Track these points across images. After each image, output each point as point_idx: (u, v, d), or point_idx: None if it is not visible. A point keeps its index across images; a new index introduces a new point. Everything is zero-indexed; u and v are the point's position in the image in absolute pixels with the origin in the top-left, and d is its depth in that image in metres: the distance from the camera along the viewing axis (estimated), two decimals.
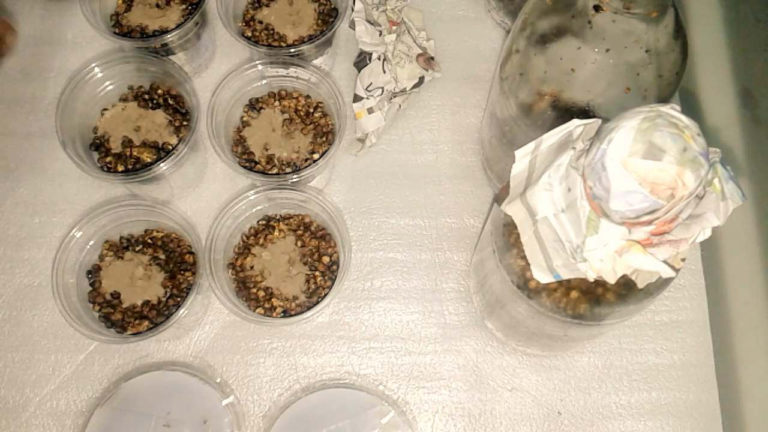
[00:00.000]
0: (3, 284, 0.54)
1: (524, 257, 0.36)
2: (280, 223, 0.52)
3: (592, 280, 0.33)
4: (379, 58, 0.56)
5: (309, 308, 0.49)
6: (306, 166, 0.52)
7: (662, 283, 0.36)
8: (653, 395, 0.51)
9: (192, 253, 0.51)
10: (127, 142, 0.53)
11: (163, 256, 0.51)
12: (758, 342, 0.53)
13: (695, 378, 0.51)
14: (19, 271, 0.54)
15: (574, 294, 0.38)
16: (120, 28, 0.56)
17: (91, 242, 0.51)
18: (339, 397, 0.50)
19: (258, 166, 0.53)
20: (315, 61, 0.58)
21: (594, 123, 0.33)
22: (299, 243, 0.51)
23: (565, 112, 0.40)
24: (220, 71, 0.60)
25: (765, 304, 0.53)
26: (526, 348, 0.51)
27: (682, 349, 0.52)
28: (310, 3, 0.57)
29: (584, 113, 0.40)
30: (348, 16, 0.57)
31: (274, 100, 0.55)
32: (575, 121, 0.34)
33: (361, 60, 0.57)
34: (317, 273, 0.50)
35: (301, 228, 0.52)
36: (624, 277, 0.33)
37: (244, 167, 0.52)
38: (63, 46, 0.61)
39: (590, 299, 0.38)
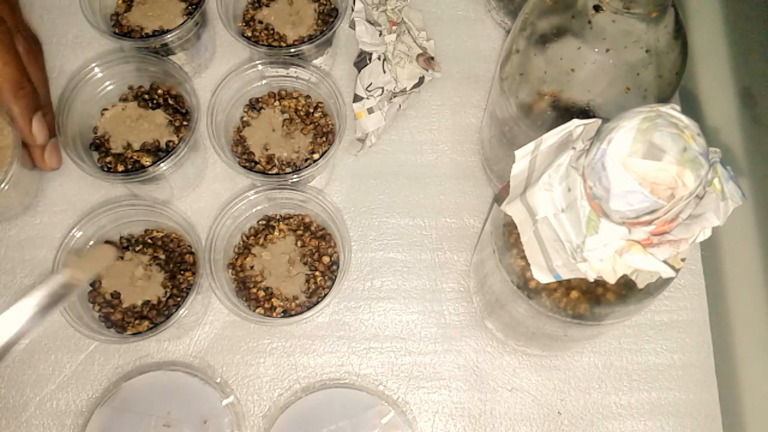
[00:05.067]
0: (4, 285, 0.54)
1: (524, 257, 0.36)
2: (280, 223, 0.52)
3: (592, 280, 0.33)
4: (379, 58, 0.56)
5: (309, 308, 0.49)
6: (306, 166, 0.52)
7: (662, 283, 0.36)
8: (653, 395, 0.51)
9: (192, 253, 0.51)
10: (127, 143, 0.53)
11: (163, 256, 0.51)
12: (758, 342, 0.53)
13: (695, 378, 0.51)
14: (19, 272, 0.54)
15: (574, 294, 0.38)
16: (120, 28, 0.56)
17: (91, 242, 0.51)
18: (339, 397, 0.50)
19: (258, 166, 0.53)
20: (315, 61, 0.58)
21: (594, 123, 0.33)
22: (299, 243, 0.51)
23: (565, 112, 0.40)
24: (220, 71, 0.60)
25: (765, 304, 0.54)
26: (526, 348, 0.51)
27: (682, 349, 0.52)
28: (310, 3, 0.57)
29: (584, 113, 0.40)
30: (348, 16, 0.57)
31: (274, 100, 0.55)
32: (575, 121, 0.34)
33: (361, 60, 0.57)
34: (317, 273, 0.50)
35: (301, 228, 0.52)
36: (624, 277, 0.33)
37: (244, 167, 0.52)
38: (63, 46, 0.61)
39: (590, 299, 0.38)
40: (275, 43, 0.56)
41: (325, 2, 0.57)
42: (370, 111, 0.55)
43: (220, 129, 0.52)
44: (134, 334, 0.48)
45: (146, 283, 0.49)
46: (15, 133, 0.50)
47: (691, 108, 0.59)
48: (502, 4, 0.60)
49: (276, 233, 0.52)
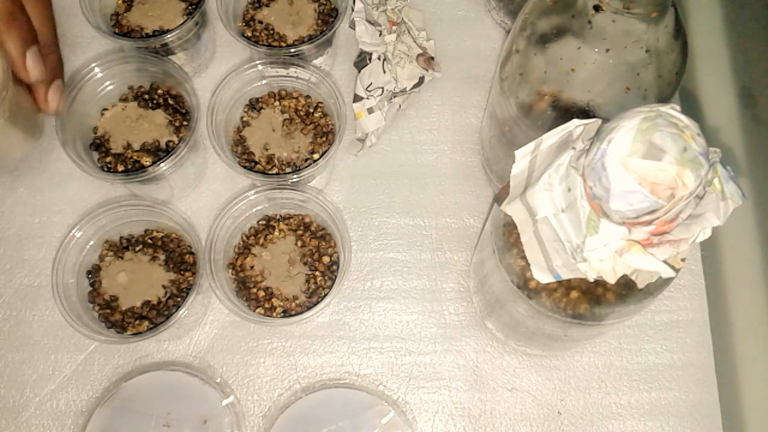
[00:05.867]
0: (3, 284, 0.54)
1: (524, 257, 0.36)
2: (280, 223, 0.52)
3: (592, 280, 0.33)
4: (379, 58, 0.56)
5: (309, 308, 0.49)
6: (306, 166, 0.52)
7: (662, 283, 0.36)
8: (653, 395, 0.51)
9: (192, 253, 0.51)
10: (127, 143, 0.53)
11: (163, 256, 0.51)
12: (758, 342, 0.53)
13: (695, 378, 0.51)
14: (19, 272, 0.54)
15: (574, 294, 0.38)
16: (120, 28, 0.56)
17: (91, 242, 0.51)
18: (339, 397, 0.50)
19: (258, 166, 0.53)
20: (315, 61, 0.58)
21: (594, 123, 0.33)
22: (299, 243, 0.51)
23: (565, 112, 0.40)
24: (220, 71, 0.60)
25: (765, 304, 0.53)
26: (526, 348, 0.51)
27: (682, 349, 0.52)
28: (310, 3, 0.57)
29: (584, 113, 0.40)
30: (348, 16, 0.57)
31: (274, 100, 0.55)
32: (575, 121, 0.34)
33: (361, 60, 0.57)
34: (317, 273, 0.50)
35: (301, 228, 0.52)
36: (624, 277, 0.33)
37: (244, 167, 0.52)
38: (63, 46, 0.61)
39: (590, 299, 0.38)
40: (275, 43, 0.56)
41: (325, 2, 0.57)
42: (370, 111, 0.55)
43: (220, 129, 0.52)
44: (134, 334, 0.48)
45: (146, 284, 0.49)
46: (6, 67, 0.47)
47: (691, 108, 0.59)
48: (502, 4, 0.60)
49: (276, 233, 0.52)
